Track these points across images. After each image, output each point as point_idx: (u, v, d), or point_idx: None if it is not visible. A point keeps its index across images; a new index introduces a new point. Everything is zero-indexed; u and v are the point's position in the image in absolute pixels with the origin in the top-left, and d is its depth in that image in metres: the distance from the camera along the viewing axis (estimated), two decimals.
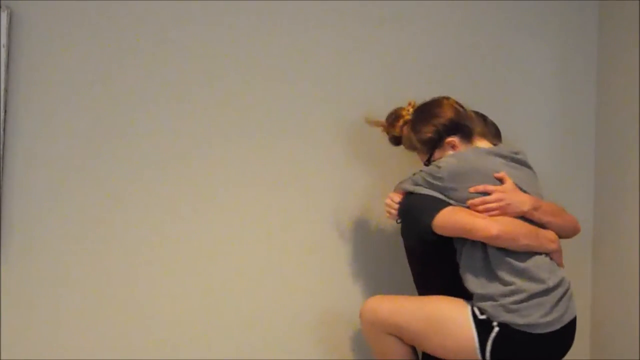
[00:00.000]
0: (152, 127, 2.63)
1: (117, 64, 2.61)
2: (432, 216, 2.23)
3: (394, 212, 2.40)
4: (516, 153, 2.36)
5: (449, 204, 2.24)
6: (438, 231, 2.24)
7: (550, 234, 2.25)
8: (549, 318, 2.13)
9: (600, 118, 2.87)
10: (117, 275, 2.60)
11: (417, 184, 2.34)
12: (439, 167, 2.28)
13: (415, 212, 2.32)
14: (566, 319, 2.17)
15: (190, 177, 2.66)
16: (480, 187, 2.24)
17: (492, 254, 2.19)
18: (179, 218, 2.65)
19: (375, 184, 2.76)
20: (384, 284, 2.75)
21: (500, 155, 2.33)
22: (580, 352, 2.37)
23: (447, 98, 2.42)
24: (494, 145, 2.42)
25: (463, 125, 2.38)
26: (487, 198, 2.22)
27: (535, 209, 2.24)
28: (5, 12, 2.49)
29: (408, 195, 2.38)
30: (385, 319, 2.29)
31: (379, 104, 2.74)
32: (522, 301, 2.13)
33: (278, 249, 2.72)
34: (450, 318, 2.20)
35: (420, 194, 2.32)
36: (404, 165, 2.67)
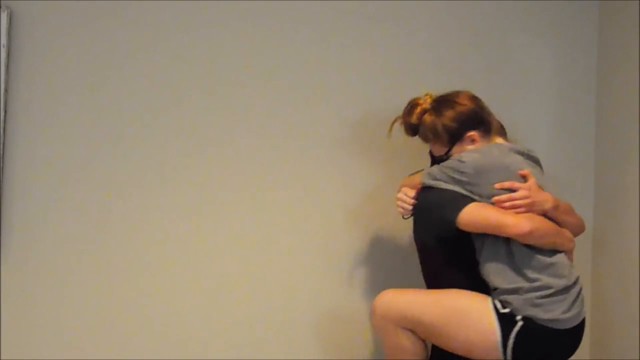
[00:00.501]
0: (153, 127, 2.63)
1: (117, 64, 2.61)
2: (457, 212, 2.21)
3: (409, 207, 2.36)
4: (530, 151, 2.36)
5: (473, 200, 2.22)
6: (463, 227, 2.22)
7: (568, 233, 2.28)
8: (569, 314, 2.15)
9: (600, 118, 2.87)
10: (117, 275, 2.60)
11: (436, 179, 2.30)
12: (463, 162, 2.25)
13: (436, 207, 2.28)
14: (580, 317, 2.20)
15: (192, 177, 2.66)
16: (507, 184, 2.23)
17: (518, 250, 2.19)
18: (180, 219, 2.65)
19: (378, 183, 2.76)
20: (388, 283, 2.72)
21: (520, 152, 2.33)
22: (580, 352, 2.37)
23: (468, 91, 2.41)
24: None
25: (485, 119, 2.36)
26: (514, 195, 2.21)
27: (555, 207, 2.27)
28: (5, 12, 2.49)
29: (426, 190, 2.33)
30: (401, 312, 2.25)
31: (379, 104, 2.75)
32: (547, 296, 2.14)
33: (280, 249, 2.72)
34: (471, 311, 2.18)
35: (441, 189, 2.27)
36: (407, 165, 2.68)
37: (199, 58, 2.67)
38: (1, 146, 2.50)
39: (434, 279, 2.37)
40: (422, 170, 2.42)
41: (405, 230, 2.73)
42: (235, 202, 2.69)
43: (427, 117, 2.37)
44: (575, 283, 2.21)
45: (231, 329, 2.68)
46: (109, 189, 2.60)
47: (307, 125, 2.73)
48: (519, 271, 2.19)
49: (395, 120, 2.48)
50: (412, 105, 2.43)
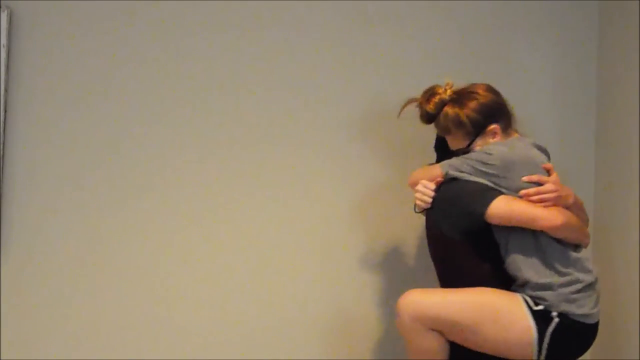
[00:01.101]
0: (153, 127, 2.63)
1: (118, 64, 2.61)
2: (486, 204, 2.18)
3: (429, 199, 2.29)
4: (543, 145, 2.36)
5: (501, 193, 2.20)
6: (492, 220, 2.19)
7: (586, 229, 2.30)
8: (596, 309, 2.17)
9: (600, 118, 2.87)
10: (117, 276, 2.60)
11: (460, 171, 2.25)
12: (491, 154, 2.22)
13: (463, 199, 2.23)
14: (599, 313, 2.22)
15: (193, 180, 2.66)
16: (535, 177, 2.21)
17: (547, 244, 2.18)
18: (181, 220, 2.65)
19: (380, 182, 2.76)
20: (393, 283, 2.75)
21: (537, 146, 2.32)
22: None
23: (486, 83, 2.38)
24: None
25: (506, 112, 2.34)
26: (542, 188, 2.20)
27: (574, 202, 2.28)
28: (5, 12, 2.49)
29: (450, 182, 2.28)
30: (433, 313, 2.17)
31: (380, 105, 2.75)
32: (578, 291, 2.14)
33: (283, 251, 2.71)
34: (505, 309, 2.15)
35: (466, 181, 2.23)
36: (408, 164, 2.68)
37: (200, 58, 2.67)
38: (1, 146, 2.50)
39: (455, 273, 2.31)
40: (433, 163, 2.40)
41: (409, 229, 2.74)
42: (237, 204, 2.68)
43: (449, 109, 2.32)
44: (597, 278, 2.22)
45: (234, 330, 2.68)
46: (110, 189, 2.60)
47: (309, 126, 2.73)
48: (550, 265, 2.17)
49: (407, 103, 2.42)
50: (431, 93, 2.36)
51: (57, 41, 2.57)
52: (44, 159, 2.56)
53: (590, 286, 2.17)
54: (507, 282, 2.24)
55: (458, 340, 2.20)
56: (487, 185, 2.21)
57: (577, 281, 2.15)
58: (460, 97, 2.33)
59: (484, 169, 2.22)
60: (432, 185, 2.30)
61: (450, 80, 2.39)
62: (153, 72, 2.63)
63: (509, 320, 2.13)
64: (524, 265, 2.19)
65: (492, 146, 2.27)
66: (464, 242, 2.26)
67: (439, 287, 2.37)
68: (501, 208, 2.18)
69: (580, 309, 2.13)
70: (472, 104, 2.30)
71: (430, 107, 2.34)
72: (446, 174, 2.28)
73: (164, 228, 2.64)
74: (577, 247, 2.22)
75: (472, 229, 2.23)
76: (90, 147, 2.59)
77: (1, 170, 2.50)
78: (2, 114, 2.50)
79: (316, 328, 2.72)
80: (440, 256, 2.35)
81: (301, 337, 2.72)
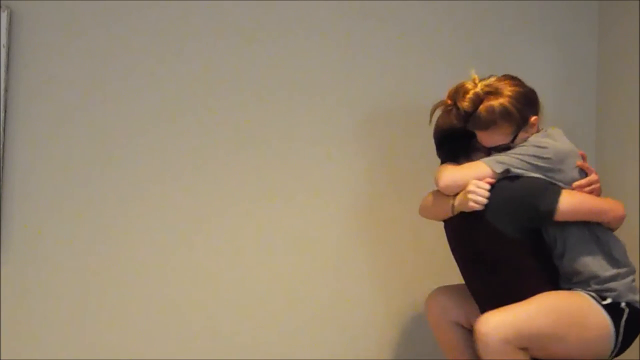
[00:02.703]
0: (153, 127, 2.64)
1: (118, 64, 2.61)
2: (555, 201, 2.10)
3: (484, 200, 2.13)
4: None
5: (560, 187, 2.14)
6: (560, 216, 2.11)
7: None
8: None
9: (601, 118, 2.87)
10: (117, 276, 2.60)
11: (517, 167, 2.14)
12: (544, 147, 2.14)
13: (528, 197, 2.13)
14: None
15: (195, 179, 2.66)
16: (586, 165, 2.19)
17: (604, 236, 2.16)
18: (183, 220, 2.65)
19: (382, 183, 2.77)
20: (402, 287, 2.76)
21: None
22: None
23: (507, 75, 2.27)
24: None
25: (539, 102, 2.26)
26: (591, 178, 2.17)
27: None
28: (5, 12, 2.49)
29: (506, 180, 2.15)
30: (521, 329, 2.04)
31: (381, 105, 2.75)
32: (633, 280, 2.14)
33: (286, 251, 2.72)
34: (579, 309, 2.09)
35: (526, 178, 2.13)
36: (409, 165, 2.68)
37: (201, 59, 2.67)
38: (1, 146, 2.50)
39: (511, 275, 2.19)
40: (447, 163, 2.28)
41: (409, 230, 2.74)
42: (238, 204, 2.69)
43: (493, 101, 2.16)
44: None
45: (234, 331, 2.68)
46: (110, 189, 2.60)
47: (310, 128, 2.74)
48: (611, 257, 2.14)
49: (436, 107, 2.29)
50: (463, 90, 2.21)
51: (57, 41, 2.57)
52: (44, 159, 2.56)
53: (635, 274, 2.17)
54: (557, 279, 2.19)
55: (543, 355, 2.11)
56: (547, 181, 2.13)
57: (633, 270, 2.15)
58: (497, 88, 2.19)
59: (539, 164, 2.13)
60: (487, 185, 2.15)
61: (475, 74, 2.24)
62: (153, 72, 2.64)
63: (586, 319, 2.08)
64: (589, 260, 2.13)
65: (539, 139, 2.18)
66: (524, 242, 2.16)
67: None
68: (571, 203, 2.11)
69: (637, 296, 2.12)
70: (514, 94, 2.18)
71: (466, 105, 2.18)
72: (506, 171, 2.14)
73: (164, 227, 2.64)
74: None
75: (537, 227, 2.16)
76: (90, 146, 2.59)
77: (1, 170, 2.50)
78: (2, 114, 2.50)
79: (316, 328, 2.72)
80: (491, 258, 2.20)
81: (302, 337, 2.72)
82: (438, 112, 2.31)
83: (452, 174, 2.21)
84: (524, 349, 2.05)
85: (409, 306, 2.72)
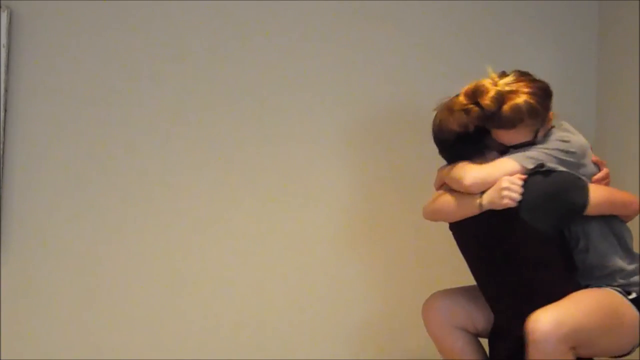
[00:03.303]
0: (153, 126, 2.64)
1: (118, 63, 2.61)
2: (586, 195, 2.06)
3: (519, 196, 2.06)
4: None
5: (586, 181, 2.11)
6: (590, 211, 2.07)
7: None
8: None
9: (600, 118, 2.87)
10: (117, 276, 2.60)
11: (549, 162, 2.09)
12: (568, 142, 2.11)
13: (563, 193, 2.08)
14: None
15: (195, 179, 2.66)
16: (599, 161, 2.17)
17: (622, 229, 2.15)
18: (183, 220, 2.65)
19: (382, 183, 2.77)
20: (401, 287, 2.76)
21: None
22: None
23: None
24: None
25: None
26: (606, 172, 2.16)
27: None
28: (5, 12, 2.49)
29: (538, 175, 2.08)
30: (576, 328, 1.97)
31: (380, 106, 2.75)
32: None
33: (285, 252, 2.72)
34: (617, 306, 2.05)
35: (561, 172, 2.08)
36: (410, 165, 2.68)
37: (201, 59, 2.67)
38: (1, 146, 2.50)
39: (538, 273, 2.13)
40: (449, 164, 2.22)
41: (409, 231, 2.74)
42: (238, 205, 2.69)
43: (518, 99, 2.09)
44: None
45: (233, 331, 2.68)
46: (110, 189, 2.61)
47: (311, 129, 2.74)
48: (629, 250, 2.14)
49: (447, 108, 2.19)
50: (483, 89, 2.12)
51: (57, 41, 2.57)
52: (44, 159, 2.56)
53: None
54: (575, 276, 2.16)
55: (587, 353, 2.06)
56: (576, 175, 2.10)
57: None
58: (518, 85, 2.12)
59: (566, 158, 2.09)
60: (520, 181, 2.07)
61: (491, 71, 2.17)
62: (154, 72, 2.64)
63: (622, 315, 2.04)
64: (613, 254, 2.12)
65: (562, 134, 2.15)
66: (553, 238, 2.12)
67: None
68: (600, 197, 2.08)
69: None
70: (536, 90, 2.12)
71: (489, 104, 2.09)
72: (539, 165, 2.08)
73: (164, 227, 2.64)
74: None
75: (569, 222, 2.12)
76: (90, 146, 2.59)
77: (1, 169, 2.50)
78: (2, 113, 2.50)
79: (316, 329, 2.72)
80: (519, 255, 2.14)
81: (302, 338, 2.72)
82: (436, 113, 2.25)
83: (478, 172, 2.12)
84: (572, 348, 1.99)
85: (407, 306, 2.72)
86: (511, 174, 2.08)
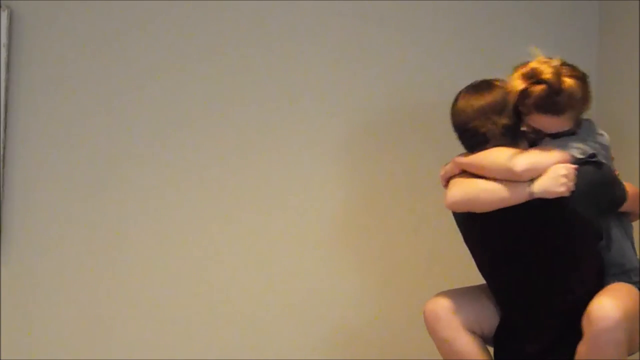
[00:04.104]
0: (153, 127, 2.64)
1: (118, 63, 2.62)
2: (625, 189, 2.06)
3: (573, 186, 1.99)
4: None
5: None
6: (624, 205, 2.06)
7: None
8: None
9: (600, 118, 2.87)
10: (117, 276, 2.61)
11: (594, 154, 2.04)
12: (602, 135, 2.09)
13: (610, 185, 2.05)
14: None
15: (195, 180, 2.68)
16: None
17: (629, 226, 2.14)
18: (183, 221, 2.66)
19: (382, 183, 2.77)
20: (398, 287, 2.77)
21: None
22: None
23: None
24: None
25: None
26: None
27: None
28: (6, 11, 2.50)
29: (593, 165, 2.02)
30: (634, 319, 1.94)
31: (379, 108, 2.75)
32: None
33: (283, 253, 2.73)
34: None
35: (604, 164, 2.04)
36: (409, 166, 2.68)
37: (201, 59, 2.68)
38: (1, 145, 2.50)
39: (571, 264, 2.07)
40: (466, 153, 2.14)
41: (405, 231, 2.74)
42: (236, 206, 2.70)
43: (574, 83, 2.02)
44: None
45: (233, 331, 2.69)
46: (110, 189, 2.61)
47: (311, 128, 2.74)
48: (633, 248, 2.13)
49: (500, 96, 2.09)
50: (538, 72, 2.03)
51: (57, 41, 2.57)
52: (45, 159, 2.57)
53: None
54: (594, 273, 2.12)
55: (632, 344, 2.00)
56: (612, 168, 2.09)
57: None
58: (570, 70, 2.05)
59: (603, 152, 2.07)
60: (574, 170, 1.99)
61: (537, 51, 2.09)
62: (154, 72, 2.64)
63: None
64: (630, 252, 2.10)
65: (594, 127, 2.11)
66: (593, 230, 2.06)
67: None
68: (631, 192, 2.07)
69: None
70: (582, 76, 2.07)
71: (555, 80, 2.00)
72: (591, 155, 2.02)
73: (164, 226, 2.65)
74: None
75: (608, 214, 2.07)
76: (90, 146, 2.60)
77: (2, 169, 2.51)
78: (3, 113, 2.50)
79: (314, 328, 2.73)
80: (557, 247, 2.06)
81: (300, 337, 2.72)
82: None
83: (530, 159, 2.01)
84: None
85: (405, 306, 2.72)
86: (561, 163, 1.99)
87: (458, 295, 2.20)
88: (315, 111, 2.74)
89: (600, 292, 1.96)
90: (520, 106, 2.05)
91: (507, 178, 2.01)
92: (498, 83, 2.16)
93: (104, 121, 2.61)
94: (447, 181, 2.17)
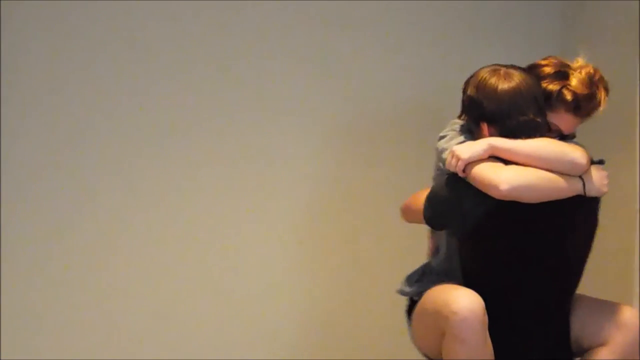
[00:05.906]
0: (151, 127, 2.65)
1: (114, 65, 2.62)
2: None
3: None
4: None
5: None
6: None
7: None
8: None
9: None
10: (117, 276, 2.62)
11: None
12: None
13: None
14: None
15: (193, 181, 2.70)
16: None
17: None
18: (181, 220, 2.68)
19: (380, 184, 2.80)
20: (382, 284, 2.73)
21: None
22: None
23: None
24: None
25: None
26: None
27: None
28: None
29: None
30: None
31: (379, 106, 2.75)
32: None
33: (276, 254, 2.76)
34: None
35: None
36: (408, 165, 2.69)
37: (201, 59, 2.69)
38: None
39: (583, 266, 2.11)
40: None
41: (399, 231, 2.74)
42: (232, 207, 2.71)
43: (605, 93, 2.08)
44: None
45: (231, 331, 2.71)
46: (108, 189, 2.62)
47: (310, 128, 2.75)
48: None
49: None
50: (591, 73, 2.05)
51: (53, 41, 2.56)
52: (41, 160, 2.57)
53: None
54: None
55: None
56: None
57: None
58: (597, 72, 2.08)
59: None
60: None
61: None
62: (152, 71, 2.64)
63: None
64: None
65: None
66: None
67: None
68: None
69: None
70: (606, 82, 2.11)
71: (599, 91, 2.05)
72: (602, 161, 2.06)
73: (164, 226, 2.66)
74: None
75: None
76: (87, 147, 2.60)
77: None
78: None
79: (309, 328, 2.74)
80: (582, 247, 2.09)
81: (293, 337, 2.74)
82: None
83: (586, 154, 2.00)
84: None
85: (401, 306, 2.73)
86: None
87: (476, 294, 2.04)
88: (292, 115, 2.76)
89: (615, 302, 2.04)
90: (555, 101, 2.03)
91: (567, 171, 1.97)
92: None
93: (103, 121, 2.62)
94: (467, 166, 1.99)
